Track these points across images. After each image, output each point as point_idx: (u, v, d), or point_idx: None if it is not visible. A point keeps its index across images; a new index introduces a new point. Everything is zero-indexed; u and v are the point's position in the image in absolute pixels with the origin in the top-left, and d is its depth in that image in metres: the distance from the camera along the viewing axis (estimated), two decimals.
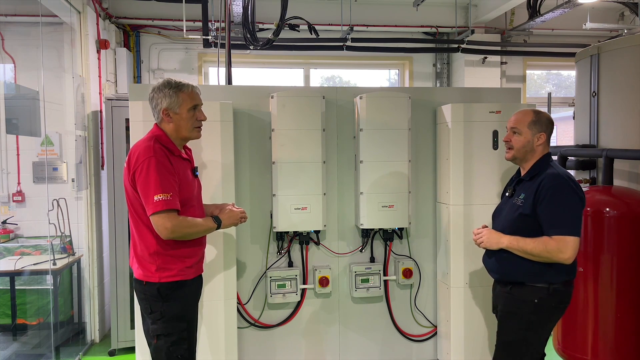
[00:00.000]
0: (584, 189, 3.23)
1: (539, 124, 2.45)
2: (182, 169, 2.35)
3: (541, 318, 2.38)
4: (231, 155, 3.02)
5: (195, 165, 2.52)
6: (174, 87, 2.33)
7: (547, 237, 2.31)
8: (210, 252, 2.91)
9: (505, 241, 2.41)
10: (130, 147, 2.41)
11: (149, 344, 2.43)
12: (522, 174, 2.53)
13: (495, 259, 2.49)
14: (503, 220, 2.52)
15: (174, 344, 2.32)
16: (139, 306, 2.50)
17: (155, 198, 2.18)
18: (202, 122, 2.44)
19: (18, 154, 4.74)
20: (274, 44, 4.34)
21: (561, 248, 2.26)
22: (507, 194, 2.59)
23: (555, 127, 2.53)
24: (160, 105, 2.33)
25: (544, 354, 2.53)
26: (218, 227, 2.42)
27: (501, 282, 2.52)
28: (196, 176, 2.49)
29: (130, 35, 5.36)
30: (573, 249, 2.27)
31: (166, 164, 2.25)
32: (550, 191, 2.32)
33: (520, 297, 2.40)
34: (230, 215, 2.50)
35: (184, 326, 2.37)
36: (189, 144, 2.53)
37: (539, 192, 2.34)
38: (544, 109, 4.85)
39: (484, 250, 2.59)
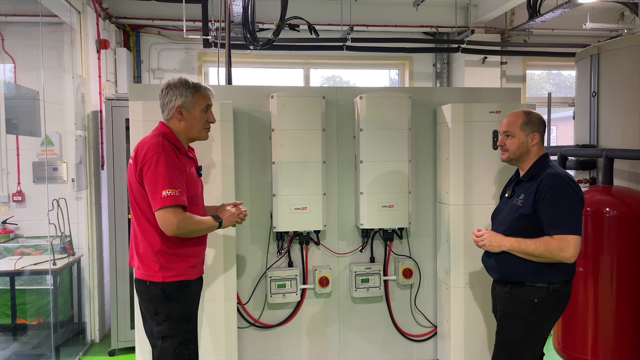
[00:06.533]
0: (584, 189, 3.24)
1: (531, 125, 2.47)
2: (188, 167, 2.36)
3: (541, 318, 2.39)
4: (231, 155, 3.02)
5: (199, 164, 2.53)
6: (192, 88, 2.35)
7: (548, 237, 2.32)
8: (211, 252, 2.91)
9: (507, 244, 2.41)
10: (131, 147, 2.41)
11: (153, 346, 2.41)
12: (520, 175, 2.54)
13: (494, 259, 2.49)
14: (503, 221, 2.52)
15: (181, 345, 2.31)
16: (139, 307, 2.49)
17: (164, 193, 2.17)
18: (211, 124, 2.46)
19: (18, 154, 4.74)
20: (274, 44, 4.34)
21: (563, 247, 2.27)
22: (506, 195, 2.60)
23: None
24: (174, 102, 2.33)
25: (543, 354, 2.53)
26: (219, 227, 2.43)
27: (501, 281, 2.52)
28: (200, 175, 2.50)
29: (130, 35, 5.36)
30: (575, 248, 2.27)
31: (175, 161, 2.25)
32: (550, 191, 2.32)
33: (520, 297, 2.41)
34: (230, 214, 2.50)
35: (189, 327, 2.36)
36: (193, 144, 2.53)
37: (539, 192, 2.35)
38: (544, 109, 4.86)
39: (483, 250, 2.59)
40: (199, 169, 2.49)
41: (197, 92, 2.36)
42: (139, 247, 2.35)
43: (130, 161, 2.35)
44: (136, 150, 2.32)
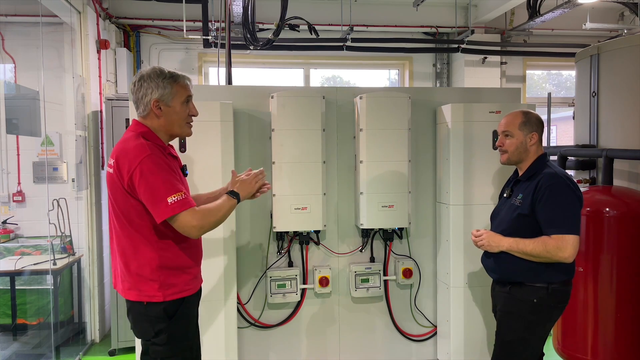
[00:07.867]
0: (584, 189, 3.24)
1: (530, 124, 2.47)
2: (175, 167, 2.16)
3: (540, 318, 2.39)
4: (231, 155, 3.02)
5: (183, 163, 2.30)
6: (169, 78, 2.10)
7: (546, 236, 2.32)
8: (211, 253, 2.91)
9: (505, 244, 2.41)
10: None
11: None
12: (519, 175, 2.54)
13: (493, 259, 2.50)
14: (502, 221, 2.52)
15: None
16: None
17: (170, 200, 1.96)
18: (194, 117, 2.22)
19: (18, 154, 4.75)
20: (274, 44, 4.34)
21: (561, 247, 2.27)
22: (505, 195, 2.60)
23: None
24: (150, 96, 2.07)
25: (543, 354, 2.53)
26: (239, 201, 2.20)
27: (500, 282, 2.52)
28: (186, 175, 2.26)
29: (131, 35, 5.37)
30: (573, 247, 2.27)
31: (165, 161, 2.04)
32: (547, 190, 2.32)
33: (520, 297, 2.41)
34: (245, 184, 2.24)
35: (190, 344, 2.22)
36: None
37: (537, 192, 2.35)
38: (544, 109, 4.86)
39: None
40: (183, 169, 2.25)
41: (175, 82, 2.10)
42: (130, 266, 2.10)
43: (109, 169, 2.09)
44: (115, 157, 2.05)
